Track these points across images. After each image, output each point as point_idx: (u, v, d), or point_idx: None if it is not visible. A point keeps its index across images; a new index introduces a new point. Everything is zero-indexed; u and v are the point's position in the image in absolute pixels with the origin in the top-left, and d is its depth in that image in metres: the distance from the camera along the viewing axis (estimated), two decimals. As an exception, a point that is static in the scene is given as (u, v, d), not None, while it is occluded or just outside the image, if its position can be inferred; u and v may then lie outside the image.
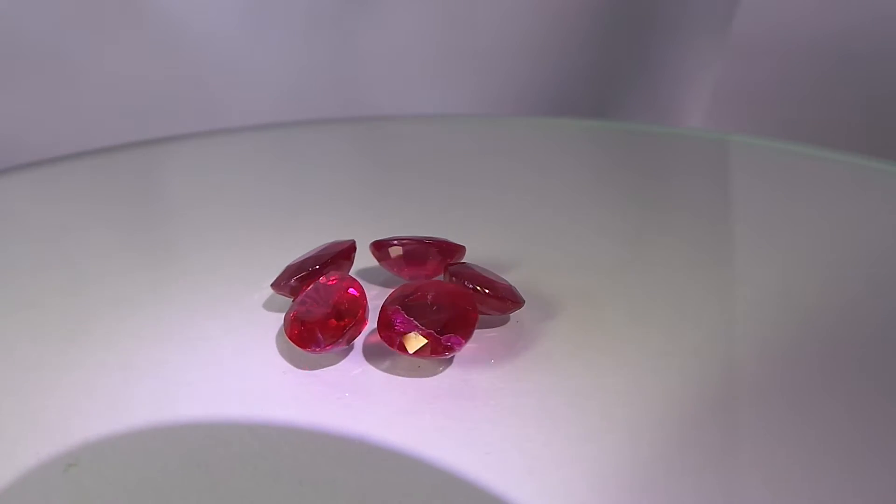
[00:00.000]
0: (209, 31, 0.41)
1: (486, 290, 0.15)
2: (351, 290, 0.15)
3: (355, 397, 0.13)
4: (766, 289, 0.18)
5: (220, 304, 0.17)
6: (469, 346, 0.15)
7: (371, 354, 0.15)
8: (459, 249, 0.17)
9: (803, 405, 0.13)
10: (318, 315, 0.14)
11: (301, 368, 0.14)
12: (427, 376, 0.14)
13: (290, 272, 0.16)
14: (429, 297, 0.14)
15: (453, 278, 0.15)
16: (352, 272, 0.17)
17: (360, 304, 0.15)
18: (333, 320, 0.14)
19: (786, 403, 0.13)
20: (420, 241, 0.17)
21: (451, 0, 0.44)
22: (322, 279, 0.15)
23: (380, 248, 0.17)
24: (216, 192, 0.26)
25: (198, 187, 0.27)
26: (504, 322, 0.16)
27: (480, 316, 0.15)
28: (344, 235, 0.19)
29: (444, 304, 0.14)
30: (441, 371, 0.14)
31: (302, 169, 0.29)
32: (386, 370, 0.14)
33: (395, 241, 0.17)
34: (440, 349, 0.14)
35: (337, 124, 0.36)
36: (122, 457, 0.12)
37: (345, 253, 0.17)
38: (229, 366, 0.15)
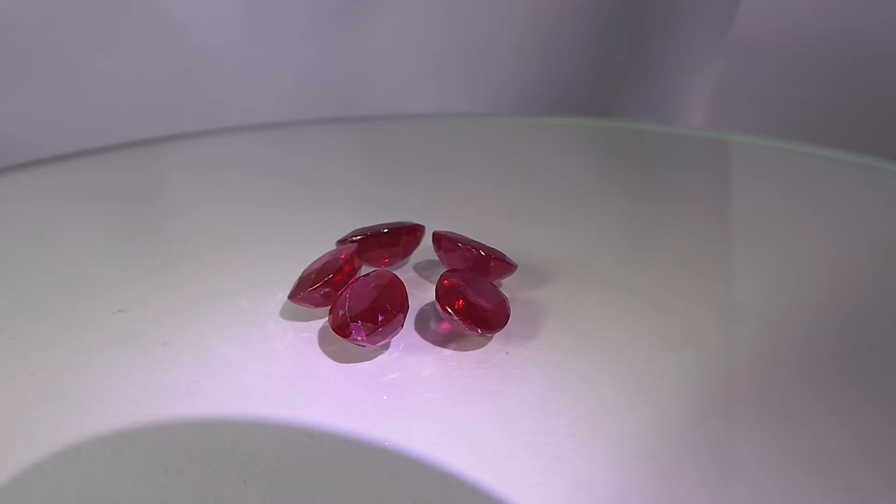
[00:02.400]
0: (209, 31, 0.41)
1: (449, 310, 0.15)
2: (339, 257, 0.16)
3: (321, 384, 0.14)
4: (764, 286, 0.18)
5: (220, 302, 0.17)
6: (466, 341, 0.15)
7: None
8: (509, 268, 0.17)
9: (802, 403, 0.13)
10: (307, 273, 0.16)
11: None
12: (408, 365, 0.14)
13: (353, 233, 0.18)
14: (371, 284, 0.15)
15: (443, 283, 0.15)
16: (417, 255, 0.19)
17: (332, 269, 0.15)
18: (313, 278, 0.16)
19: (784, 402, 0.13)
20: (475, 250, 0.17)
21: (451, -1, 0.44)
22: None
23: (436, 240, 0.18)
24: (216, 191, 0.26)
25: (198, 187, 0.27)
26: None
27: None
28: (344, 234, 0.19)
29: (374, 294, 0.14)
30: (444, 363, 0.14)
31: (302, 169, 0.29)
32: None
33: (450, 240, 0.17)
34: (344, 332, 0.14)
35: (337, 124, 0.36)
36: (119, 455, 0.12)
37: (406, 231, 0.18)
38: (235, 364, 0.15)
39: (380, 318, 0.14)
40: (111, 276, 0.19)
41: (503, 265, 0.17)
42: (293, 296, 0.16)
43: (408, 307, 0.15)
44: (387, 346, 0.15)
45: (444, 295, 0.15)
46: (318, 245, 0.20)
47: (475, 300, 0.15)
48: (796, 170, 0.28)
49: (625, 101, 0.51)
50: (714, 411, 0.13)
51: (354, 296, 0.15)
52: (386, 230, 0.18)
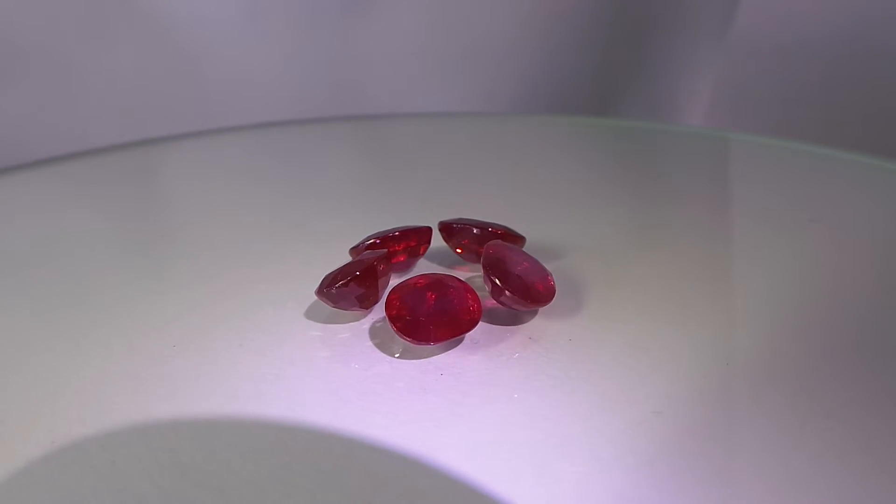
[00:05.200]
0: (209, 31, 0.41)
1: (405, 319, 0.15)
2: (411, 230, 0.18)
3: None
4: (764, 283, 0.18)
5: (221, 302, 0.17)
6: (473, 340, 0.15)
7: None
8: (547, 297, 0.16)
9: (803, 400, 0.13)
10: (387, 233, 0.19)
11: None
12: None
13: (458, 221, 0.19)
14: (363, 256, 0.17)
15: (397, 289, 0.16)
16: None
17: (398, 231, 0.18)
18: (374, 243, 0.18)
19: (785, 399, 0.13)
20: (518, 272, 0.16)
21: (451, -1, 0.44)
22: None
23: (485, 266, 0.17)
24: (215, 191, 0.26)
25: (197, 187, 0.27)
26: (518, 315, 0.16)
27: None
28: (345, 234, 0.19)
29: (348, 261, 0.17)
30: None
31: (302, 168, 0.29)
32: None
33: (490, 267, 0.16)
34: None
35: (337, 123, 0.36)
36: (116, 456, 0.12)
37: (504, 236, 0.18)
38: (236, 365, 0.15)
39: (334, 282, 0.16)
40: (111, 277, 0.19)
41: (540, 295, 0.16)
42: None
43: (369, 285, 0.16)
44: (361, 315, 0.16)
45: (389, 302, 0.15)
46: (317, 243, 0.20)
47: (411, 313, 0.15)
48: (795, 168, 0.28)
49: (625, 100, 0.51)
50: (714, 410, 0.13)
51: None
52: (477, 229, 0.18)
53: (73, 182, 0.28)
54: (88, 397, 0.14)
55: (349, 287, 0.15)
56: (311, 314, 0.16)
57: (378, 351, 0.15)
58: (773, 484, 0.11)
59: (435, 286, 0.15)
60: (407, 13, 0.44)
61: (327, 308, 0.16)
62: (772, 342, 0.15)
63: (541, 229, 0.19)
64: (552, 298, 0.16)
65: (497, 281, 0.15)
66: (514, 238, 0.19)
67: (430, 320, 0.14)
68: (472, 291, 0.15)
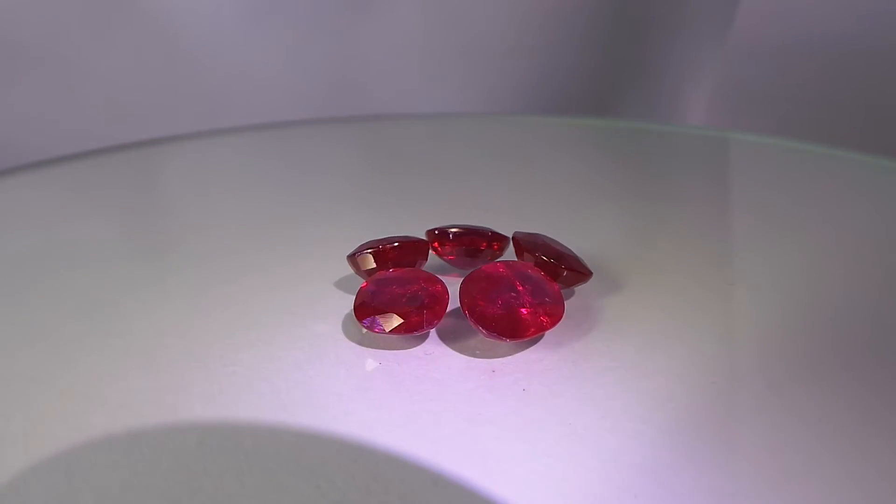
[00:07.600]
0: (209, 32, 0.41)
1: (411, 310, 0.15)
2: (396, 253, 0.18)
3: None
4: (765, 282, 0.18)
5: (221, 303, 0.17)
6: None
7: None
8: (516, 334, 0.15)
9: (804, 399, 0.13)
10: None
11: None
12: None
13: (533, 241, 0.18)
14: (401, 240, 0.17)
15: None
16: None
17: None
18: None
19: (786, 398, 0.13)
20: (502, 301, 0.15)
21: (451, -1, 0.44)
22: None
23: (518, 244, 0.17)
24: (216, 192, 0.26)
25: (197, 187, 0.27)
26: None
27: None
28: (346, 236, 0.19)
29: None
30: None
31: (302, 169, 0.29)
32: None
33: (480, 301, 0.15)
34: None
35: (337, 124, 0.36)
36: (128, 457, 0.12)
37: (567, 270, 0.17)
38: (234, 366, 0.15)
39: (357, 251, 0.17)
40: (111, 278, 0.19)
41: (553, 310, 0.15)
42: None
43: (379, 265, 0.16)
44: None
45: (362, 286, 0.15)
46: (317, 244, 0.20)
47: (370, 299, 0.15)
48: (796, 167, 0.28)
49: (625, 100, 0.51)
50: (714, 409, 0.13)
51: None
52: (545, 257, 0.17)
53: (73, 183, 0.28)
54: (92, 401, 0.14)
55: (359, 261, 0.17)
56: (310, 314, 0.16)
57: (340, 333, 0.15)
58: (783, 484, 0.11)
59: (405, 280, 0.15)
60: (407, 13, 0.44)
61: (327, 305, 0.17)
62: (774, 342, 0.15)
63: (540, 230, 0.19)
64: (521, 337, 0.14)
65: (462, 305, 0.15)
66: (577, 274, 0.16)
67: (378, 310, 0.14)
68: (443, 299, 0.15)
